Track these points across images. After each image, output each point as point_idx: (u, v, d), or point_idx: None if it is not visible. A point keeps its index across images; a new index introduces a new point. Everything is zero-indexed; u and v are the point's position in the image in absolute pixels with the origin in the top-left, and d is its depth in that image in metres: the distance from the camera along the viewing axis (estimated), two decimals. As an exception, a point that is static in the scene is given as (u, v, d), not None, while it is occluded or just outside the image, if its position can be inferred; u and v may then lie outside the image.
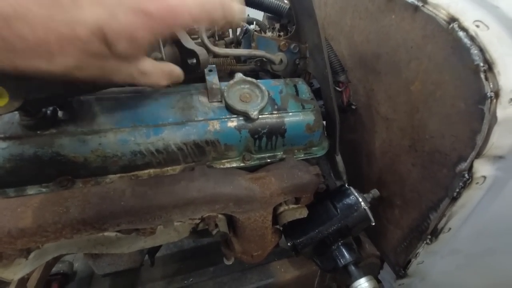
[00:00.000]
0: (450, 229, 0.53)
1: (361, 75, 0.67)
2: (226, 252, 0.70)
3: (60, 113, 0.44)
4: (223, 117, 0.51)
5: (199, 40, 0.57)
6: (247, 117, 0.51)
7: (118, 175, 0.50)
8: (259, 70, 0.66)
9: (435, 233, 0.55)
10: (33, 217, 0.41)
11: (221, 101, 0.52)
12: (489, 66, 0.37)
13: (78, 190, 0.45)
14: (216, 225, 0.57)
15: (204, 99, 0.52)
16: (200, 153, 0.52)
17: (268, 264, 0.77)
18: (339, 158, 0.73)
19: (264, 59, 0.61)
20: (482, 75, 0.37)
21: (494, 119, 0.38)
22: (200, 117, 0.50)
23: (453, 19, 0.41)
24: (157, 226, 0.51)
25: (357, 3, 0.61)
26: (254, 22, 0.88)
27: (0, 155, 0.41)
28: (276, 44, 0.61)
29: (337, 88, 0.67)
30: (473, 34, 0.38)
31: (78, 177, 0.48)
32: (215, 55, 0.57)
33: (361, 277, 0.62)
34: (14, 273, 0.47)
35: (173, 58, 0.45)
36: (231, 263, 0.73)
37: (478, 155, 0.42)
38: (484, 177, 0.44)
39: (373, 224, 0.64)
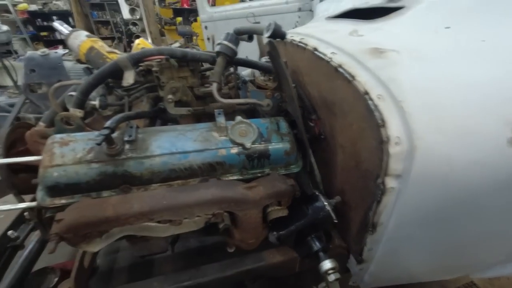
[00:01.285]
0: (382, 223, 0.79)
1: (326, 114, 0.95)
2: (228, 241, 0.95)
3: (127, 145, 0.72)
4: (228, 146, 0.78)
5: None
6: (244, 146, 0.78)
7: (158, 184, 0.77)
8: (253, 109, 0.94)
9: (374, 226, 0.80)
10: (113, 210, 0.67)
11: (226, 136, 0.79)
12: (384, 123, 0.64)
13: (136, 194, 0.72)
14: (223, 220, 0.83)
15: (215, 134, 0.79)
16: (212, 170, 0.79)
17: (260, 252, 1.02)
18: (317, 172, 1.00)
19: (256, 104, 0.89)
20: (380, 128, 0.64)
21: (388, 153, 0.64)
22: (213, 147, 0.77)
23: (366, 92, 0.68)
24: (184, 218, 0.77)
25: (320, 66, 0.89)
26: (249, 70, 1.17)
27: (93, 172, 0.68)
28: (264, 94, 0.88)
29: (310, 123, 0.94)
30: (376, 103, 0.65)
31: (133, 185, 0.75)
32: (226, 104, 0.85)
33: (326, 259, 0.87)
34: (93, 247, 0.73)
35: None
36: (232, 250, 0.98)
37: (386, 174, 0.68)
38: (393, 187, 0.70)
39: (336, 221, 0.89)
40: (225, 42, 0.77)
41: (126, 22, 5.45)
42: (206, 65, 1.06)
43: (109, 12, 7.89)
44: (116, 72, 0.74)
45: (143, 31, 5.08)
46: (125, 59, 0.71)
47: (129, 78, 0.72)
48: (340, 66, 0.78)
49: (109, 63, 0.73)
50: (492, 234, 0.78)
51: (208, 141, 0.77)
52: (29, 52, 1.42)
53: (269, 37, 0.64)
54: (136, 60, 0.73)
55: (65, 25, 1.10)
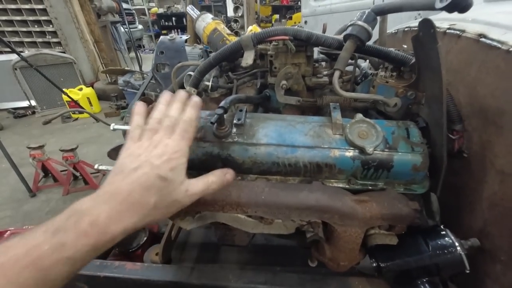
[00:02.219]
0: None
1: (478, 125, 0.70)
2: (315, 255, 0.83)
3: (235, 129, 0.68)
4: (343, 147, 0.65)
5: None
6: (362, 151, 0.63)
7: (256, 176, 0.71)
8: (372, 109, 0.78)
9: (546, 300, 0.54)
10: (211, 195, 0.64)
11: (342, 135, 0.66)
12: None
13: (236, 182, 0.68)
14: (318, 231, 0.72)
15: (329, 131, 0.67)
16: (318, 171, 0.68)
17: (347, 277, 0.86)
18: (434, 198, 0.77)
19: (381, 101, 0.72)
20: None
21: None
22: (326, 145, 0.65)
23: None
24: (277, 219, 0.69)
25: (487, 59, 0.65)
26: (367, 61, 0.99)
27: (200, 151, 0.67)
28: (394, 90, 0.71)
29: (451, 136, 0.72)
30: None
31: (232, 171, 0.71)
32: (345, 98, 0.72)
33: (444, 317, 0.65)
34: (186, 225, 0.73)
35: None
36: (314, 265, 0.86)
37: None
38: None
39: (468, 271, 0.65)
40: (360, 23, 0.64)
41: (228, 20, 5.96)
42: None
43: (214, 13, 8.98)
44: (236, 52, 0.71)
45: (242, 27, 5.44)
46: (248, 38, 0.67)
47: (248, 58, 0.68)
48: (534, 57, 0.53)
49: (232, 42, 0.71)
50: None
51: (321, 138, 0.66)
52: (162, 37, 1.68)
53: (445, 7, 0.47)
54: (260, 39, 0.68)
55: (196, 10, 1.20)
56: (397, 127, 0.68)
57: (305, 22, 2.59)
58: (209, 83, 0.82)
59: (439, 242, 0.69)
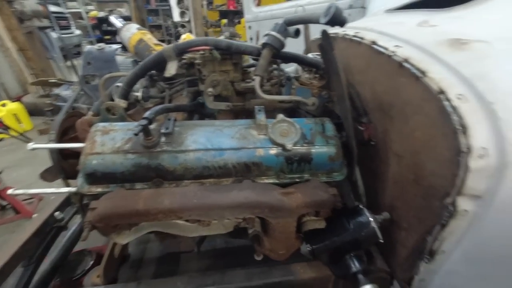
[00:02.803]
0: (444, 251, 0.65)
1: (379, 117, 0.82)
2: (257, 249, 0.88)
3: (163, 138, 0.69)
4: (267, 146, 0.71)
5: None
6: (284, 148, 0.70)
7: (190, 181, 0.73)
8: (295, 108, 0.86)
9: (432, 253, 0.67)
10: (143, 204, 0.65)
11: (266, 134, 0.72)
12: (464, 130, 0.51)
13: (167, 189, 0.69)
14: (253, 225, 0.77)
15: (254, 132, 0.73)
16: (247, 170, 0.73)
17: (290, 264, 0.93)
18: (360, 183, 0.88)
19: (300, 102, 0.81)
20: (459, 135, 0.52)
21: (467, 167, 0.51)
22: (251, 146, 0.70)
23: (442, 91, 0.55)
24: (213, 220, 0.72)
25: (379, 62, 0.78)
26: (296, 64, 1.09)
27: (129, 163, 0.67)
28: (310, 91, 0.80)
29: (359, 127, 0.83)
30: (455, 105, 0.53)
31: (165, 180, 0.72)
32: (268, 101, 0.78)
33: (367, 284, 0.76)
34: (122, 239, 0.72)
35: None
36: (260, 258, 0.91)
37: (459, 193, 0.55)
38: (467, 211, 0.56)
39: (381, 241, 0.77)
40: (273, 33, 0.71)
41: (175, 25, 5.79)
42: (249, 62, 1.01)
43: (162, 17, 8.59)
44: (160, 63, 0.72)
45: (190, 32, 5.34)
46: (170, 49, 0.69)
47: (171, 68, 0.70)
48: (406, 60, 0.66)
49: (154, 53, 0.72)
50: None
51: (246, 139, 0.71)
52: (88, 47, 1.55)
53: (327, 23, 0.56)
54: (181, 50, 0.70)
55: (120, 19, 1.15)
56: (315, 124, 0.77)
57: (249, 27, 2.68)
58: (139, 94, 0.81)
59: (358, 220, 0.79)
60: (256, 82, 0.74)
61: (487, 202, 0.54)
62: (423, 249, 0.68)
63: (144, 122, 0.61)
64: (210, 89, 0.76)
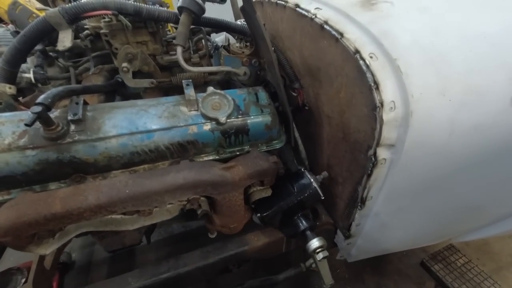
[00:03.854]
0: (371, 197, 0.73)
1: (310, 82, 0.85)
2: (209, 227, 0.87)
3: (72, 126, 0.58)
4: (199, 122, 0.66)
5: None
6: (218, 122, 0.67)
7: (120, 170, 0.65)
8: (228, 80, 0.82)
9: (363, 201, 0.75)
10: (61, 205, 0.55)
11: (197, 110, 0.67)
12: (377, 86, 0.55)
13: (91, 184, 0.60)
14: (200, 205, 0.74)
15: (184, 108, 0.67)
16: (183, 150, 0.68)
17: (244, 235, 0.96)
18: (301, 147, 0.92)
19: (231, 72, 0.77)
20: (373, 92, 0.55)
21: (382, 120, 0.56)
22: (182, 124, 0.65)
23: (357, 51, 0.58)
24: (153, 207, 0.67)
25: (303, 25, 0.77)
26: (225, 33, 1.02)
27: (30, 161, 0.55)
28: (240, 60, 0.76)
29: (293, 93, 0.84)
30: (368, 63, 0.56)
31: (88, 173, 0.63)
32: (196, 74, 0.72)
33: (313, 237, 0.83)
34: (45, 249, 0.62)
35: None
36: (214, 236, 0.91)
37: (378, 145, 0.61)
38: (385, 159, 0.63)
39: (323, 198, 0.83)
40: (189, -5, 0.63)
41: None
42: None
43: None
44: (47, 33, 0.58)
45: None
46: (56, 14, 0.55)
47: (64, 40, 0.57)
48: (326, 22, 0.66)
49: (35, 20, 0.56)
50: (486, 200, 0.76)
51: (176, 117, 0.65)
52: None
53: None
54: (72, 16, 0.57)
55: None
56: (248, 94, 0.75)
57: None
58: (30, 75, 0.65)
59: (300, 183, 0.84)
60: (178, 53, 0.66)
61: (398, 149, 0.61)
62: (356, 198, 0.76)
63: (37, 109, 0.49)
64: (125, 64, 0.66)
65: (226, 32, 0.79)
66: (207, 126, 0.67)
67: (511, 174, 0.67)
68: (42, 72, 0.69)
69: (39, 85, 0.69)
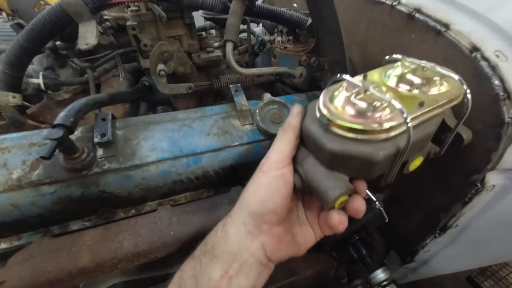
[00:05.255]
0: (457, 225, 0.61)
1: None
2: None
3: (100, 151, 0.44)
4: (257, 139, 0.52)
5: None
6: (280, 139, 0.53)
7: (156, 201, 0.52)
8: (278, 82, 0.67)
9: (443, 229, 0.62)
10: (90, 256, 0.42)
11: (252, 124, 0.53)
12: (508, 95, 0.41)
13: (125, 223, 0.47)
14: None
15: (236, 122, 0.53)
16: (234, 174, 0.54)
17: (289, 262, 0.83)
18: None
19: (286, 74, 0.62)
20: (502, 103, 0.42)
21: (509, 140, 0.43)
22: (236, 142, 0.51)
23: (475, 48, 0.44)
24: (199, 246, 0.53)
25: (373, 16, 0.63)
26: (261, 24, 0.87)
27: (48, 200, 0.41)
28: (297, 59, 0.62)
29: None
30: (494, 64, 0.42)
31: (118, 208, 0.49)
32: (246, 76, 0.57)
33: (378, 268, 0.70)
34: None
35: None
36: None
37: (490, 169, 0.47)
38: (493, 185, 0.50)
39: (386, 221, 0.70)
40: (244, -25, 0.48)
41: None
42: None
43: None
44: (64, 26, 0.43)
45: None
46: (78, 1, 0.40)
47: (88, 35, 0.42)
48: (418, 10, 0.52)
49: (47, 10, 0.41)
50: None
51: (228, 134, 0.51)
52: None
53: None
54: (98, 2, 0.42)
55: None
56: (308, 100, 0.61)
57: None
58: (40, 80, 0.51)
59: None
60: (228, 51, 0.52)
61: (515, 173, 0.47)
62: (435, 225, 0.63)
63: (57, 133, 0.35)
64: (161, 67, 0.51)
65: (279, 24, 0.64)
66: (266, 144, 0.53)
67: None
68: (53, 75, 0.54)
69: (49, 91, 0.55)
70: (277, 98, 0.55)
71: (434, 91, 0.33)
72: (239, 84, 0.57)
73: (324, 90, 0.33)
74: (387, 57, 0.38)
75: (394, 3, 0.56)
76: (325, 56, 0.62)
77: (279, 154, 0.34)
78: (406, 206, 0.73)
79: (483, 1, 0.48)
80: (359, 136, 0.28)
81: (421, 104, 0.31)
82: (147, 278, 0.54)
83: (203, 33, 0.74)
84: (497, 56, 0.43)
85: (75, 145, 0.39)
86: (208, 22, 0.82)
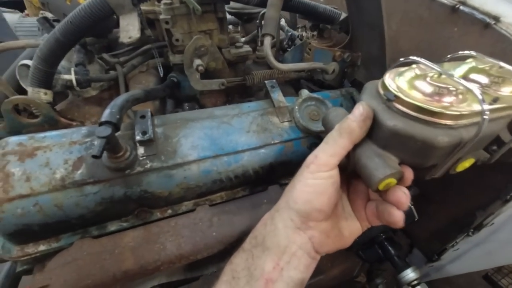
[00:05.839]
0: (493, 224, 0.60)
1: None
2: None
3: (141, 149, 0.42)
4: (297, 137, 0.51)
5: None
6: (320, 136, 0.51)
7: (193, 201, 0.50)
8: (310, 78, 0.66)
9: (478, 228, 0.61)
10: (134, 258, 0.40)
11: (291, 121, 0.52)
12: None
13: (165, 224, 0.45)
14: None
15: (275, 119, 0.51)
16: (272, 172, 0.53)
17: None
18: None
19: (319, 69, 0.61)
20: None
21: None
22: (276, 140, 0.49)
23: (530, 42, 0.43)
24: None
25: (408, 10, 0.61)
26: (283, 19, 0.85)
27: (91, 200, 0.39)
28: (331, 54, 0.60)
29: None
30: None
31: (155, 208, 0.48)
32: (281, 72, 0.55)
33: (407, 268, 0.69)
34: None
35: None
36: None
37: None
38: (540, 183, 0.49)
39: (416, 219, 0.69)
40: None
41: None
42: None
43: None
44: (105, 18, 0.41)
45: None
46: (121, -9, 0.38)
47: (130, 28, 0.40)
48: (463, 2, 0.50)
49: (89, 1, 0.39)
50: None
51: (268, 131, 0.50)
52: None
53: None
54: (143, -8, 0.40)
55: None
56: (343, 98, 0.59)
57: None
58: (72, 77, 0.49)
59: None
60: (266, 46, 0.50)
61: None
62: (469, 224, 0.62)
63: (105, 131, 0.33)
64: (198, 61, 0.49)
65: (312, 19, 0.62)
66: (305, 142, 0.52)
67: None
68: (85, 71, 0.52)
69: (78, 88, 0.53)
70: (314, 95, 0.54)
71: (508, 92, 0.31)
72: (274, 80, 0.56)
73: (388, 71, 0.32)
74: (460, 52, 0.37)
75: (435, -4, 0.54)
76: (359, 52, 0.61)
77: (329, 157, 0.33)
78: (433, 204, 0.72)
79: (535, -7, 0.46)
80: (426, 117, 0.27)
81: (495, 100, 0.30)
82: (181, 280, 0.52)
83: (230, 27, 0.72)
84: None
85: (120, 144, 0.38)
86: (230, 17, 0.80)
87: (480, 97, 0.25)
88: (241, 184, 0.52)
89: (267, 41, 0.50)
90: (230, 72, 0.66)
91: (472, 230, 0.63)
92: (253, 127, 0.50)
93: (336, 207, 0.36)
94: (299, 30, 0.79)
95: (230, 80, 0.59)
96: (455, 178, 0.62)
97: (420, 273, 0.70)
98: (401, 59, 0.33)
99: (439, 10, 0.54)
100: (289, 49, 0.70)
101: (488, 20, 0.47)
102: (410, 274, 0.69)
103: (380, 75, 0.56)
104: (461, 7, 0.50)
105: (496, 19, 0.46)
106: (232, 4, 0.71)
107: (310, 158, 0.35)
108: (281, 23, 0.83)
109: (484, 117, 0.26)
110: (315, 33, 0.73)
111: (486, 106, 0.25)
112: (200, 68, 0.49)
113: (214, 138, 0.47)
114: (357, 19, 0.56)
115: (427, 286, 0.71)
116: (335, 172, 0.33)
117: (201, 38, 0.49)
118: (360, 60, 0.63)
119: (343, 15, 0.60)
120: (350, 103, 0.59)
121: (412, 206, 0.67)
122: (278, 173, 0.54)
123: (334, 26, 0.62)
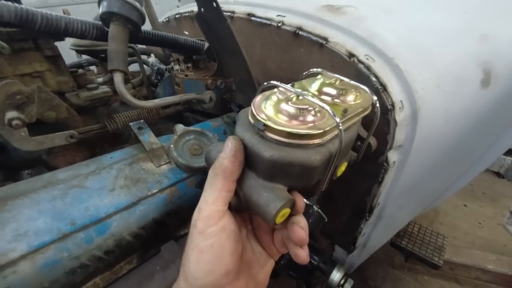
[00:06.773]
0: (378, 203, 0.69)
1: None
2: None
3: None
4: (180, 179, 0.44)
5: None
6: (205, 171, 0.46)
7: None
8: (187, 111, 0.61)
9: (370, 210, 0.70)
10: None
11: (170, 162, 0.44)
12: (384, 88, 0.50)
13: None
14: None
15: (149, 165, 0.43)
16: (162, 228, 0.43)
17: None
18: None
19: (194, 100, 0.57)
20: (382, 94, 0.50)
21: (395, 123, 0.52)
22: (154, 189, 0.40)
23: (352, 54, 0.52)
24: None
25: (264, 37, 0.67)
26: (152, 55, 0.80)
27: None
28: (203, 83, 0.58)
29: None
30: (368, 65, 0.51)
31: None
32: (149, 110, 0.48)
33: (332, 269, 0.71)
34: None
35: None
36: None
37: (389, 149, 0.56)
38: (394, 161, 0.59)
39: (326, 220, 0.73)
40: (121, -5, 0.41)
41: None
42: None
43: None
44: None
45: None
46: None
47: None
48: (300, 28, 0.58)
49: None
50: (462, 168, 0.85)
51: (142, 182, 0.40)
52: None
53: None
54: None
55: None
56: (226, 125, 0.57)
57: None
58: None
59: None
60: (118, 83, 0.42)
61: (406, 148, 0.58)
62: (363, 210, 0.70)
63: None
64: (13, 114, 0.35)
65: (177, 51, 0.59)
66: (192, 183, 0.45)
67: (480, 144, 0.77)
68: None
69: None
70: (191, 128, 0.49)
71: (351, 100, 0.35)
72: (141, 121, 0.47)
73: (255, 98, 0.31)
74: (311, 70, 0.40)
75: (279, 24, 0.61)
76: (231, 77, 0.61)
77: (211, 206, 0.28)
78: (338, 200, 0.78)
79: (343, 19, 0.58)
80: (297, 141, 0.27)
81: (345, 111, 0.32)
82: None
83: (79, 70, 0.60)
84: (367, 59, 0.51)
85: None
86: (85, 57, 0.68)
87: (331, 113, 0.27)
88: (122, 256, 0.39)
89: (117, 77, 0.42)
90: (89, 119, 0.54)
91: (367, 214, 0.71)
92: (120, 182, 0.39)
93: (244, 254, 0.32)
94: (172, 63, 0.75)
95: (83, 129, 0.46)
96: (343, 176, 0.70)
97: (344, 270, 0.72)
98: (265, 84, 0.33)
99: (285, 35, 0.61)
100: (159, 84, 0.65)
101: (320, 40, 0.55)
102: (336, 275, 0.71)
103: (254, 96, 0.57)
104: (300, 32, 0.58)
105: (325, 39, 0.55)
106: (78, 41, 0.60)
107: (195, 214, 0.28)
108: (150, 59, 0.77)
109: (340, 128, 0.27)
110: (189, 65, 0.71)
111: (339, 120, 0.27)
112: (16, 122, 0.35)
113: (58, 212, 0.33)
114: (218, 47, 0.56)
115: (352, 280, 0.74)
116: (227, 220, 0.28)
117: (14, 83, 0.36)
118: (234, 84, 0.63)
119: (207, 45, 0.60)
120: (233, 129, 0.58)
121: (319, 210, 0.70)
122: (171, 226, 0.45)
123: (199, 56, 0.61)
